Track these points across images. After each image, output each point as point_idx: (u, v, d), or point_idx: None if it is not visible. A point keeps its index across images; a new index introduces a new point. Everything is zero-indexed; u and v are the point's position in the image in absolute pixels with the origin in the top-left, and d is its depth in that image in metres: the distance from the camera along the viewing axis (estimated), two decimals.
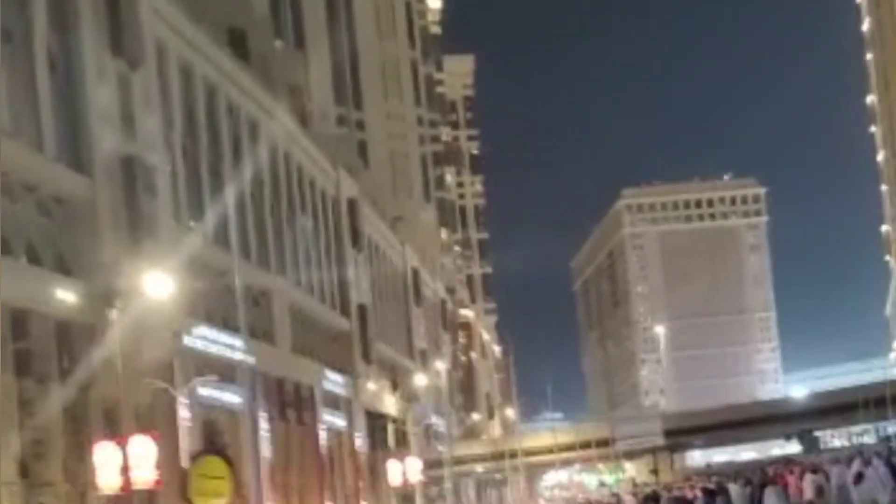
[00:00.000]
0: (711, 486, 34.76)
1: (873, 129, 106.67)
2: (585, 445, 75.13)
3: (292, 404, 51.08)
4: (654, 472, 71.54)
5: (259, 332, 48.43)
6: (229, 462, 11.69)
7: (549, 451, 77.18)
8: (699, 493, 33.20)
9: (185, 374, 39.11)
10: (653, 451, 72.13)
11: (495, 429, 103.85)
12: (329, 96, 65.40)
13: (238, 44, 49.05)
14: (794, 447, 79.81)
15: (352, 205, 62.13)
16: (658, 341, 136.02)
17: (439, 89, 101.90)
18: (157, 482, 36.09)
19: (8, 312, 31.76)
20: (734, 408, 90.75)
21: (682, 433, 70.80)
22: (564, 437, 79.58)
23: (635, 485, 63.73)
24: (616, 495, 42.03)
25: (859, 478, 21.05)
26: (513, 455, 71.30)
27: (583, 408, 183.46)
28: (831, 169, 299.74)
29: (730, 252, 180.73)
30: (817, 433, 76.21)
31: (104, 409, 37.08)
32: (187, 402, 37.92)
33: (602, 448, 74.55)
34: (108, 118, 37.23)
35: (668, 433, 69.30)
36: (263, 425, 46.89)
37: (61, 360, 34.89)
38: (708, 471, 70.96)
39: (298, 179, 54.73)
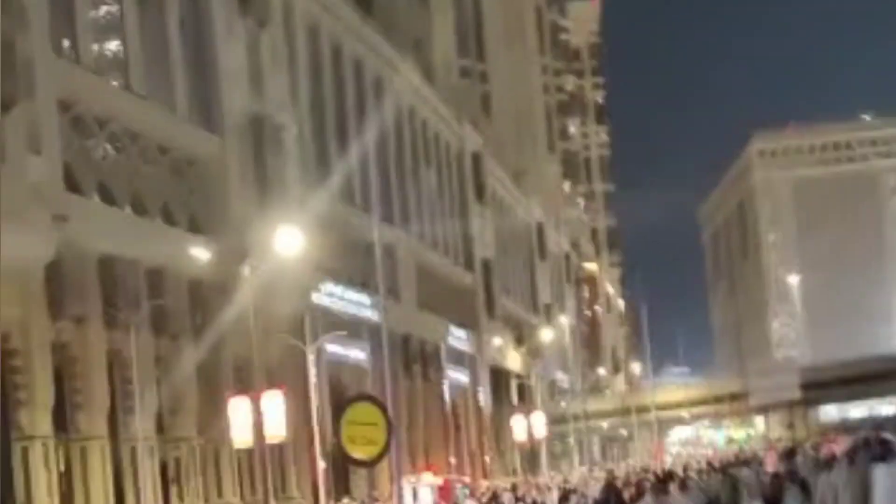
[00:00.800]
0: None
1: None
2: (717, 400, 73.40)
3: (417, 360, 51.31)
4: (791, 427, 69.59)
5: (385, 289, 48.55)
6: (383, 408, 11.28)
7: (679, 405, 75.82)
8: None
9: (313, 331, 39.54)
10: (788, 405, 69.86)
11: (620, 384, 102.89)
12: (452, 48, 64.75)
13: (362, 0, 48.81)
14: None
15: (476, 158, 61.67)
16: (791, 291, 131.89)
17: (563, 37, 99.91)
18: (289, 436, 37.03)
19: (143, 271, 32.62)
20: (873, 359, 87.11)
21: (819, 387, 68.23)
22: (695, 392, 78.03)
23: (773, 440, 61.95)
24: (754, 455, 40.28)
25: None
26: (641, 410, 70.24)
27: (711, 362, 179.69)
28: None
29: (869, 196, 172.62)
30: None
31: (236, 366, 37.92)
32: (315, 358, 38.32)
33: (734, 402, 72.74)
34: (237, 78, 37.64)
35: (805, 386, 66.82)
36: (388, 381, 47.15)
37: (194, 318, 35.76)
38: (844, 425, 68.84)
39: (423, 133, 54.53)
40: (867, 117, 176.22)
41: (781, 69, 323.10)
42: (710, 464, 28.72)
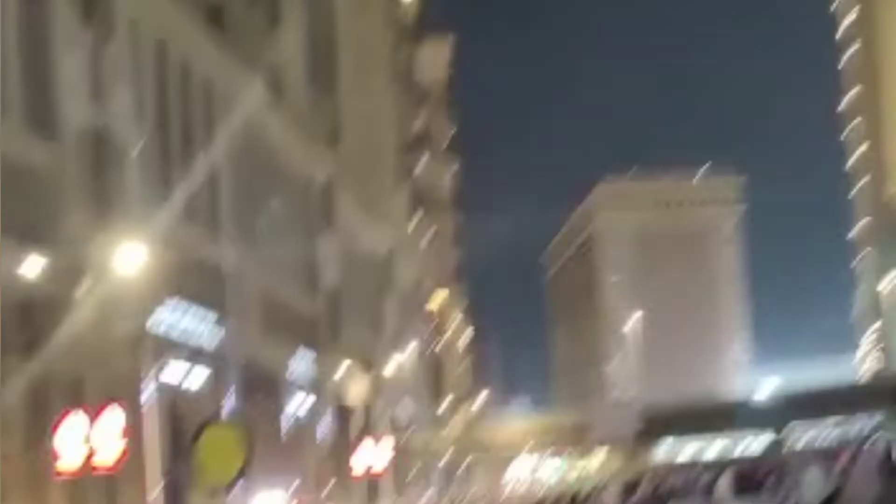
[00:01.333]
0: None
1: (848, 129, 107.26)
2: (560, 432, 75.10)
3: (258, 388, 50.37)
4: (629, 461, 71.48)
5: (228, 312, 47.71)
6: (243, 429, 10.89)
7: (523, 436, 77.07)
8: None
9: (151, 352, 38.34)
10: (627, 441, 72.02)
11: (464, 414, 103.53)
12: (304, 75, 64.57)
13: (214, 18, 48.18)
14: (763, 443, 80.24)
15: (326, 186, 61.46)
16: (629, 333, 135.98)
17: (416, 71, 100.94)
18: (120, 460, 35.57)
19: None
20: (706, 402, 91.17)
21: (656, 425, 70.76)
22: (538, 424, 79.51)
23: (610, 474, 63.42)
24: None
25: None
26: (484, 440, 71.02)
27: (549, 398, 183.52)
28: (810, 162, 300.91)
29: (704, 243, 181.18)
30: (786, 431, 76.69)
31: (68, 385, 36.42)
32: (152, 380, 37.14)
33: (576, 435, 74.52)
34: (78, 88, 36.42)
35: (645, 424, 69.25)
36: (227, 407, 46.22)
37: (26, 334, 34.14)
38: (674, 464, 71.15)
39: (272, 157, 53.97)
40: (704, 169, 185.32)
41: (628, 115, 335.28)
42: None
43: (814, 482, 19.02)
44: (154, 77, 41.42)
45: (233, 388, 46.29)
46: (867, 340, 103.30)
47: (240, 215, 49.24)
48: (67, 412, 34.46)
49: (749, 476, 24.36)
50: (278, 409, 51.03)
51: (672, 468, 58.26)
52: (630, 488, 34.97)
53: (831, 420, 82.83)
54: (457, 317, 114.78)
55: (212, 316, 45.56)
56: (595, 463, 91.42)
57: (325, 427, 59.52)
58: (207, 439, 11.58)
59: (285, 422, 51.91)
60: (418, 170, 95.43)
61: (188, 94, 44.24)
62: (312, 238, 59.78)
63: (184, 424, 44.58)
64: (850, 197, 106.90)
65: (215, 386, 44.72)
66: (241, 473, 11.03)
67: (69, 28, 35.97)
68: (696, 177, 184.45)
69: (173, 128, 43.10)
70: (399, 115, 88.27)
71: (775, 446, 74.05)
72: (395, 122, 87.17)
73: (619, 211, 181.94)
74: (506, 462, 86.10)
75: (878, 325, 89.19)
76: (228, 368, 46.40)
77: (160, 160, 41.82)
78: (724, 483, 23.12)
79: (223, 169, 47.65)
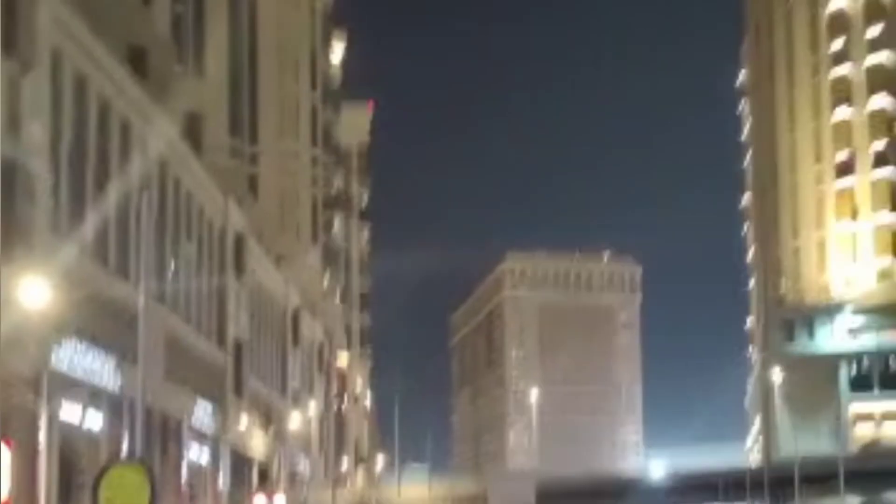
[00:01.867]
0: None
1: (746, 227, 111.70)
2: (457, 500, 74.83)
3: (157, 434, 49.53)
4: None
5: (130, 356, 46.99)
6: (148, 471, 10.72)
7: (420, 502, 76.59)
8: None
9: (48, 392, 37.59)
10: None
11: (359, 477, 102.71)
12: (224, 126, 64.76)
13: (137, 62, 48.25)
14: None
15: (238, 237, 61.29)
16: (528, 405, 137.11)
17: (335, 134, 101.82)
18: (8, 500, 34.55)
19: None
20: (599, 477, 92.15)
21: (555, 497, 71.04)
22: (435, 490, 79.01)
23: None
24: None
25: None
26: None
27: (447, 463, 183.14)
28: (707, 261, 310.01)
29: (604, 326, 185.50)
30: None
31: None
32: (47, 421, 36.38)
33: None
34: None
35: (539, 496, 69.51)
36: (125, 453, 45.31)
37: None
38: None
39: (186, 205, 53.76)
40: (608, 254, 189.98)
41: (541, 195, 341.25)
42: None
43: None
44: (72, 112, 41.25)
45: (132, 432, 45.45)
46: (756, 430, 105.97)
47: (150, 258, 48.77)
48: None
49: None
50: (178, 457, 50.15)
51: None
52: None
53: None
54: (361, 378, 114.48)
55: (114, 357, 44.87)
56: None
57: (224, 478, 58.62)
58: (112, 480, 11.41)
59: (185, 470, 51.01)
60: (332, 230, 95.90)
61: (106, 131, 44.09)
62: (222, 287, 59.43)
63: (80, 465, 43.66)
64: (745, 290, 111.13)
65: (114, 428, 43.88)
66: None
67: None
68: (597, 261, 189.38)
69: (88, 164, 42.84)
70: (316, 174, 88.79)
71: None
72: (313, 179, 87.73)
73: (525, 286, 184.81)
74: None
75: (765, 415, 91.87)
76: (129, 412, 45.59)
77: (73, 196, 41.46)
78: None
79: (136, 210, 47.35)
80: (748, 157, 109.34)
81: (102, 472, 10.88)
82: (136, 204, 47.64)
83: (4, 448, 33.77)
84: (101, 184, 44.03)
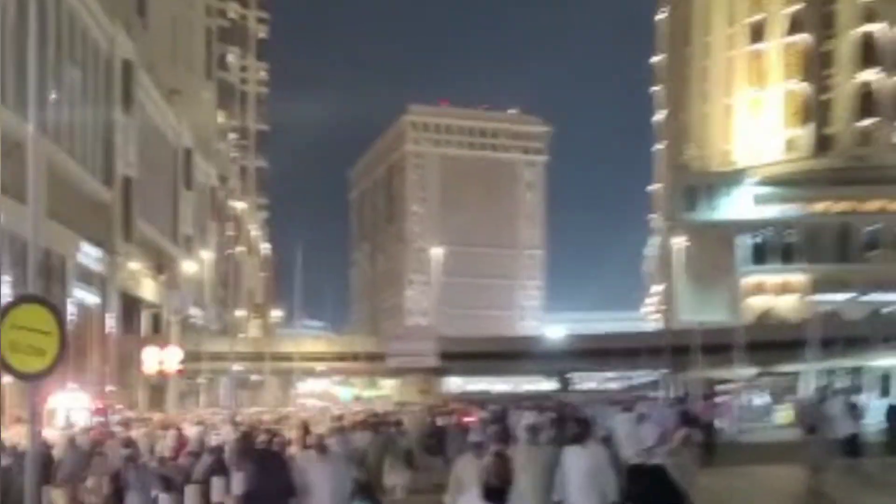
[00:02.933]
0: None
1: (655, 89, 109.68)
2: (355, 357, 73.35)
3: (40, 272, 46.06)
4: (424, 392, 70.63)
5: (10, 189, 43.21)
6: (56, 312, 8.38)
7: (318, 358, 74.90)
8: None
9: None
10: (423, 371, 71.02)
11: (255, 329, 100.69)
12: None
13: None
14: (548, 386, 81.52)
15: (127, 66, 56.82)
16: (429, 263, 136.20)
17: None
18: None
19: None
20: (499, 339, 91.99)
21: (455, 357, 69.89)
22: (333, 346, 77.59)
23: (401, 403, 62.34)
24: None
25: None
26: (277, 357, 68.42)
27: (345, 321, 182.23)
28: (614, 122, 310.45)
29: (508, 186, 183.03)
30: (571, 375, 78.11)
31: None
32: None
33: (370, 362, 72.97)
34: None
35: (443, 356, 68.23)
36: (5, 290, 42.06)
37: None
38: (465, 397, 71.17)
39: (70, 26, 49.14)
40: (514, 111, 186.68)
41: (448, 47, 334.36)
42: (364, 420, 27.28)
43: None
44: None
45: (18, 271, 42.15)
46: (653, 298, 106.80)
47: (30, 84, 44.44)
48: None
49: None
50: (63, 298, 46.98)
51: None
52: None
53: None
54: (256, 226, 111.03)
55: None
56: (386, 390, 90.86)
57: (114, 321, 55.76)
58: (15, 320, 9.08)
59: (71, 310, 47.96)
60: (228, 66, 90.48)
61: None
62: (109, 120, 55.25)
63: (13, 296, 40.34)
64: (652, 154, 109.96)
65: None
66: (55, 363, 8.87)
67: None
68: (504, 119, 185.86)
69: None
70: (210, 3, 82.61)
71: (564, 386, 75.43)
72: (207, 8, 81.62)
73: (427, 141, 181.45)
74: (295, 379, 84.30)
75: (664, 283, 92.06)
76: (9, 249, 42.15)
77: None
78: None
79: (11, 27, 42.78)
80: (662, 12, 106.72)
81: (5, 311, 8.52)
82: (14, 20, 43.17)
83: None
84: None
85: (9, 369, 8.99)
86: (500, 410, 34.76)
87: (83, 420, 31.45)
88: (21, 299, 9.13)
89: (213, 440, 20.72)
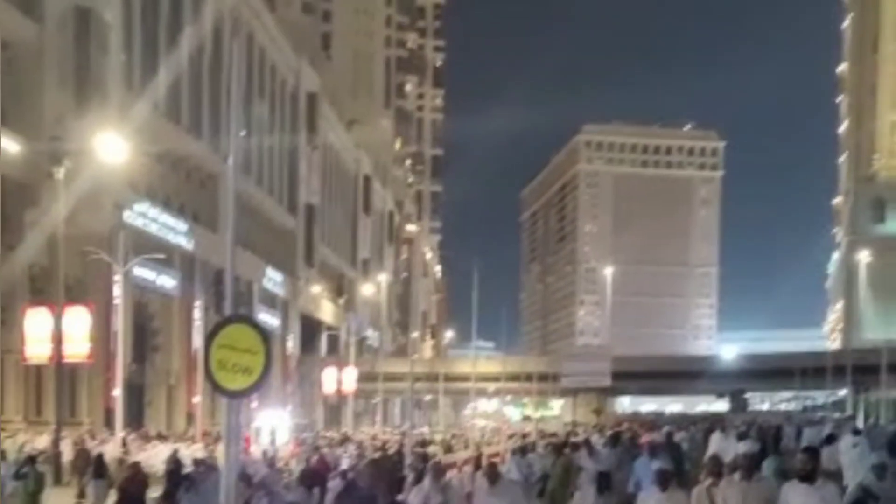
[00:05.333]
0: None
1: (840, 98, 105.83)
2: (528, 377, 73.79)
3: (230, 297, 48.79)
4: (598, 412, 70.49)
5: (202, 218, 46.14)
6: (263, 334, 9.02)
7: (493, 378, 75.70)
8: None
9: (122, 250, 36.83)
10: (597, 391, 70.75)
11: (428, 350, 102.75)
12: None
13: None
14: (720, 405, 79.81)
15: (311, 99, 59.52)
16: (601, 283, 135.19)
17: None
18: (90, 356, 34.30)
19: None
20: (672, 359, 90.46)
21: (628, 377, 69.35)
22: (507, 367, 78.13)
23: (572, 423, 62.41)
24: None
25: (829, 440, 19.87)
26: (450, 378, 69.73)
27: (515, 342, 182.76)
28: (792, 133, 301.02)
29: (682, 203, 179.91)
30: (746, 395, 76.26)
31: (32, 275, 34.88)
32: (121, 279, 35.63)
33: (543, 382, 73.25)
34: None
35: (615, 375, 67.83)
36: (197, 314, 44.85)
37: None
38: (637, 417, 70.53)
39: (259, 62, 52.00)
40: (689, 127, 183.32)
41: (620, 67, 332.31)
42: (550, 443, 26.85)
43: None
44: None
45: (202, 294, 44.92)
46: (833, 316, 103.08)
47: (222, 119, 47.40)
48: (37, 302, 33.23)
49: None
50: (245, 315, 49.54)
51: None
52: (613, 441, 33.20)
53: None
54: (430, 249, 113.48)
55: (187, 218, 44.03)
56: (556, 410, 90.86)
57: (294, 342, 58.34)
58: (226, 339, 9.47)
59: None
60: (406, 94, 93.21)
61: None
62: (294, 150, 58.02)
63: (153, 323, 43.30)
64: (836, 165, 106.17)
65: (186, 289, 43.27)
66: (260, 381, 9.26)
67: None
68: (679, 135, 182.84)
69: (161, 15, 41.09)
70: (390, 34, 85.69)
71: (738, 406, 73.81)
72: (386, 40, 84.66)
73: (601, 160, 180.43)
74: (468, 399, 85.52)
75: (848, 300, 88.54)
76: (201, 273, 44.95)
77: (146, 48, 39.90)
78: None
79: (207, 65, 45.72)
80: (848, 19, 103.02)
81: (214, 331, 9.16)
82: (209, 59, 46.09)
83: (85, 311, 33.43)
84: (172, 37, 42.38)
85: (216, 386, 9.53)
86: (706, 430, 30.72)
87: (285, 437, 33.12)
88: (230, 319, 9.20)
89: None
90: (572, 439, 27.20)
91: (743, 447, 14.56)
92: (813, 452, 9.44)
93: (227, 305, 11.41)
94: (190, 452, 27.42)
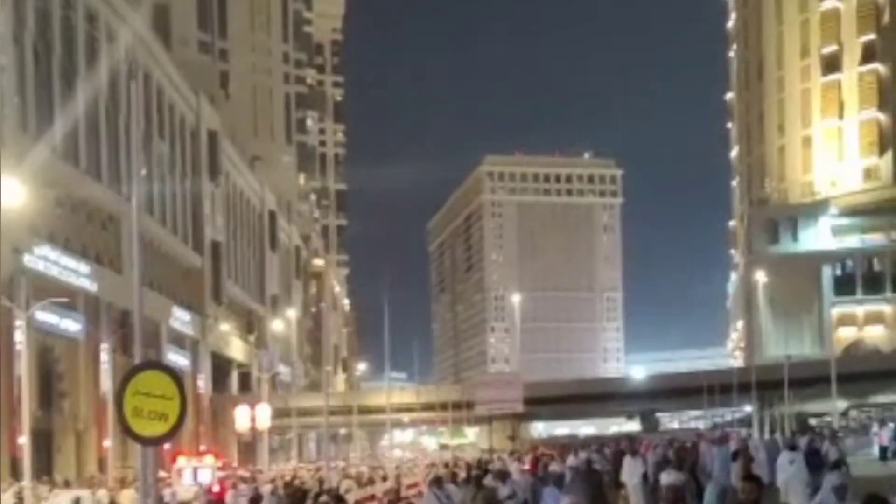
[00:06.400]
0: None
1: (730, 125, 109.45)
2: (443, 406, 73.95)
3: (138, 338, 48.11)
4: (512, 438, 70.96)
5: (105, 259, 45.51)
6: (177, 378, 9.02)
7: (406, 409, 75.64)
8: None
9: (26, 292, 36.16)
10: (511, 417, 71.32)
11: (341, 383, 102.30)
12: (192, 20, 61.87)
13: None
14: (632, 426, 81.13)
15: (212, 136, 59.27)
16: (509, 310, 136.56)
17: (307, 29, 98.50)
18: None
19: None
20: (583, 382, 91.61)
21: (539, 402, 70.12)
22: (414, 397, 78.19)
23: (488, 450, 62.64)
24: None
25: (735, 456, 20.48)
26: (364, 410, 69.56)
27: (428, 371, 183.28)
28: (687, 159, 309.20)
29: (584, 229, 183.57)
30: (657, 414, 77.62)
31: None
32: (23, 324, 34.96)
33: (457, 411, 73.51)
34: None
35: (528, 401, 68.51)
36: (104, 357, 44.11)
37: None
38: (552, 441, 71.26)
39: (157, 102, 51.67)
40: (587, 155, 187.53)
41: (520, 97, 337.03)
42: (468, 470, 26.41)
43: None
44: (34, 6, 38.93)
45: (109, 337, 44.19)
46: (737, 334, 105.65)
47: (121, 158, 46.91)
48: None
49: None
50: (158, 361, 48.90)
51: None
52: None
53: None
54: (338, 283, 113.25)
55: (89, 260, 43.39)
56: (471, 437, 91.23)
57: (205, 381, 57.64)
58: (139, 386, 9.46)
59: None
60: (307, 130, 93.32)
61: (70, 23, 41.77)
62: (197, 188, 57.59)
63: (58, 367, 42.41)
64: (730, 188, 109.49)
65: (92, 331, 42.57)
66: (176, 427, 9.22)
67: None
68: (578, 164, 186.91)
69: (54, 56, 40.62)
70: (289, 71, 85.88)
71: (649, 426, 75.02)
72: (285, 76, 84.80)
73: (504, 189, 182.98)
74: (383, 431, 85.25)
75: (749, 318, 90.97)
76: (107, 315, 44.28)
77: (40, 91, 39.38)
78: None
79: (104, 106, 45.28)
80: (733, 49, 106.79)
81: (127, 378, 9.13)
82: (106, 100, 45.62)
83: None
84: (67, 78, 41.91)
85: (132, 435, 9.39)
86: (616, 452, 28.93)
87: (209, 478, 32.71)
88: (142, 366, 9.29)
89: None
90: (489, 467, 27.40)
91: (666, 477, 14.58)
92: (757, 481, 8.74)
93: (137, 349, 11.34)
94: (95, 499, 27.01)
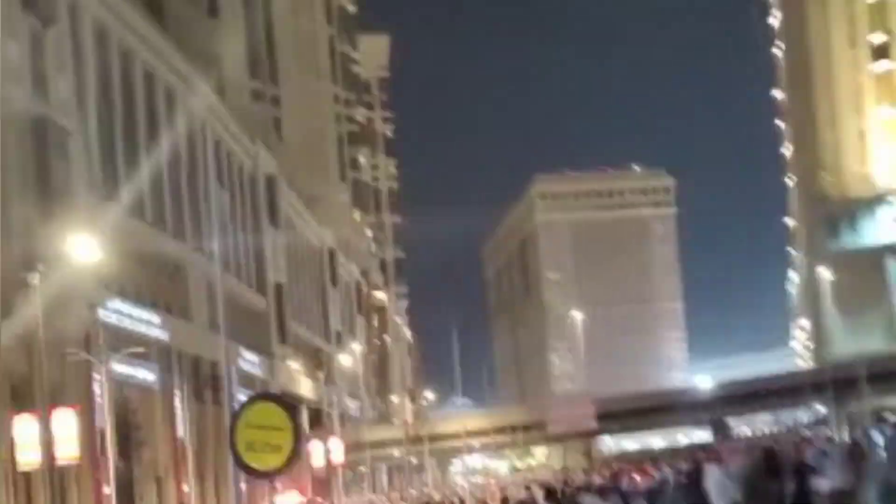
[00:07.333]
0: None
1: (779, 122, 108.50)
2: (514, 429, 74.24)
3: (207, 383, 49.48)
4: (588, 455, 71.21)
5: (174, 308, 46.80)
6: (290, 409, 9.31)
7: (477, 434, 76.00)
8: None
9: (99, 349, 37.37)
10: (584, 435, 71.59)
11: (408, 413, 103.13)
12: (244, 69, 63.69)
13: (153, 8, 47.26)
14: (701, 435, 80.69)
15: (270, 181, 60.65)
16: (570, 328, 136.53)
17: (354, 68, 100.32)
18: (80, 457, 34.62)
19: None
20: (653, 394, 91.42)
21: (611, 417, 70.30)
22: (484, 422, 78.69)
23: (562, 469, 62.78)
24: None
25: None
26: (433, 438, 70.26)
27: (493, 395, 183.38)
28: (737, 162, 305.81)
29: (639, 242, 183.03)
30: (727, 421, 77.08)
31: (13, 383, 35.25)
32: (100, 377, 36.19)
33: (528, 432, 73.85)
34: (18, 76, 35.36)
35: (599, 417, 68.73)
36: (178, 404, 45.37)
37: None
38: (625, 457, 71.25)
39: (216, 152, 53.08)
40: (637, 168, 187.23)
41: (564, 116, 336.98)
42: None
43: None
44: (96, 67, 40.43)
45: (181, 384, 45.45)
46: (800, 335, 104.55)
47: (185, 210, 48.36)
48: (13, 412, 33.60)
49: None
50: (229, 404, 50.05)
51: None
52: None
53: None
54: (400, 315, 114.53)
55: (160, 310, 44.66)
56: (541, 458, 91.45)
57: None
58: (251, 419, 9.77)
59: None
60: (360, 166, 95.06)
61: (131, 84, 43.29)
62: (258, 234, 58.97)
63: (135, 417, 43.66)
64: (783, 185, 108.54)
65: (166, 380, 43.80)
66: (291, 459, 9.53)
67: (7, 16, 34.91)
68: (629, 176, 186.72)
69: (116, 116, 42.12)
70: (339, 111, 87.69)
71: (721, 434, 74.63)
72: (336, 116, 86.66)
73: (557, 209, 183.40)
74: (451, 458, 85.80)
75: (815, 317, 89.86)
76: (178, 363, 45.52)
77: (104, 149, 40.83)
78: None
79: (169, 163, 46.74)
80: (777, 46, 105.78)
81: (239, 412, 9.46)
82: (167, 155, 47.09)
83: (71, 412, 33.85)
84: (130, 137, 43.32)
85: (247, 469, 9.16)
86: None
87: None
88: (254, 399, 9.26)
89: None
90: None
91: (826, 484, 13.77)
92: None
93: (225, 393, 11.91)
94: None
